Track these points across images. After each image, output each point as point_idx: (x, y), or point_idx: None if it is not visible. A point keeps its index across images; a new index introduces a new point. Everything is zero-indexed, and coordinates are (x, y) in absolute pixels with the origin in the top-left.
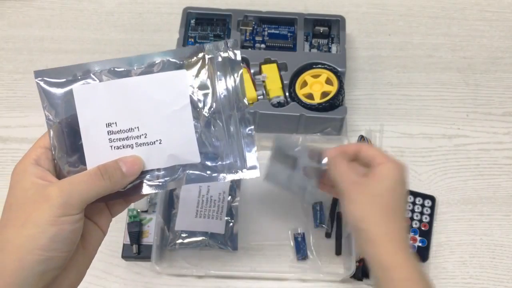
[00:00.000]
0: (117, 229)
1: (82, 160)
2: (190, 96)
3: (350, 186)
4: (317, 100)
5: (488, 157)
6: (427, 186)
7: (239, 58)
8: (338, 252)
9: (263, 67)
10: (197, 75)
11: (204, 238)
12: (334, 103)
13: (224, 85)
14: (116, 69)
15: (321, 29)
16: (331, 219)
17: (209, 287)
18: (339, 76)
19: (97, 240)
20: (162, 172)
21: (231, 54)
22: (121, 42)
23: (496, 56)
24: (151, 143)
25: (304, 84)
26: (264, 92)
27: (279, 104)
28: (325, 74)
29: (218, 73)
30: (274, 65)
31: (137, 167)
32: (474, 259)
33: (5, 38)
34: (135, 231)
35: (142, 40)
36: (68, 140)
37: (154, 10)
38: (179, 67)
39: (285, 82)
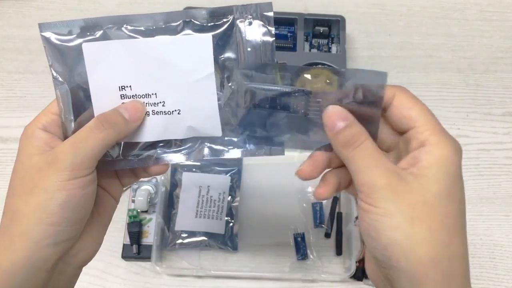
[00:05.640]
0: (117, 229)
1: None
2: (215, 64)
3: (383, 184)
4: None
5: (488, 157)
6: None
7: (272, 24)
8: (338, 252)
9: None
10: (224, 40)
11: (204, 238)
12: None
13: (254, 54)
14: (132, 26)
15: (321, 29)
16: (331, 219)
17: (209, 287)
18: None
19: (111, 207)
20: (179, 143)
21: (262, 19)
22: None
23: (496, 56)
24: (169, 113)
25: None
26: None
27: None
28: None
29: (247, 39)
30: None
31: (139, 113)
32: (474, 259)
33: (5, 38)
34: (135, 231)
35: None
36: (76, 102)
37: (154, 10)
38: (205, 29)
39: None
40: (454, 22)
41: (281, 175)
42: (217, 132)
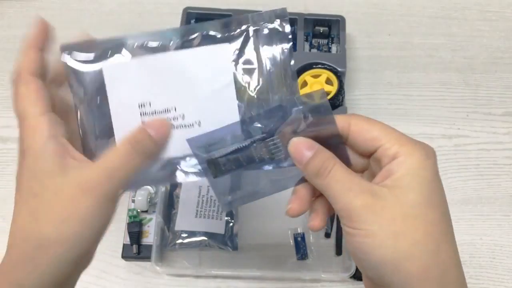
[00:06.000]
0: (117, 229)
1: (112, 145)
2: (234, 73)
3: (359, 206)
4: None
5: (488, 157)
6: None
7: (288, 29)
8: (338, 252)
9: None
10: (241, 50)
11: (204, 238)
12: (334, 103)
13: (272, 60)
14: (150, 43)
15: (321, 29)
16: (331, 219)
17: (209, 287)
18: (339, 76)
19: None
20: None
21: (278, 25)
22: None
23: (496, 56)
24: (190, 126)
25: (304, 84)
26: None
27: None
28: (325, 74)
29: (265, 46)
30: None
31: (165, 129)
32: (474, 259)
33: (5, 38)
34: (135, 231)
35: None
36: (97, 122)
37: (154, 10)
38: (221, 40)
39: None
40: (454, 22)
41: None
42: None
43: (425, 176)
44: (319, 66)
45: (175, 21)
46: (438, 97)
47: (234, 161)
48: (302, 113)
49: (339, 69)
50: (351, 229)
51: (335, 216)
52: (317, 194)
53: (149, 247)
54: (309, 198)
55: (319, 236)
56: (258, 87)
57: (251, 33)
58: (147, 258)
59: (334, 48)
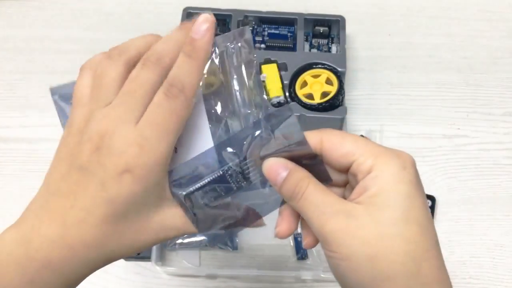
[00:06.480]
0: None
1: None
2: (203, 95)
3: (333, 230)
4: (317, 100)
5: (488, 157)
6: (427, 186)
7: (252, 48)
8: None
9: (263, 67)
10: (208, 72)
11: (204, 238)
12: (334, 103)
13: (239, 80)
14: None
15: (321, 29)
16: None
17: (209, 287)
18: (339, 76)
19: None
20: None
21: (243, 44)
22: (121, 42)
23: (496, 56)
24: None
25: (304, 84)
26: (264, 92)
27: (279, 104)
28: (325, 74)
29: (231, 68)
30: (274, 65)
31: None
32: (474, 259)
33: (5, 38)
34: None
35: None
36: None
37: (154, 10)
38: None
39: (285, 82)
40: (454, 22)
41: None
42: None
43: (401, 191)
44: (319, 66)
45: (175, 21)
46: (438, 97)
47: (211, 192)
48: (271, 132)
49: (339, 69)
50: (328, 252)
51: None
52: None
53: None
54: (295, 217)
55: None
56: (228, 108)
57: (217, 55)
58: (147, 258)
59: (334, 48)
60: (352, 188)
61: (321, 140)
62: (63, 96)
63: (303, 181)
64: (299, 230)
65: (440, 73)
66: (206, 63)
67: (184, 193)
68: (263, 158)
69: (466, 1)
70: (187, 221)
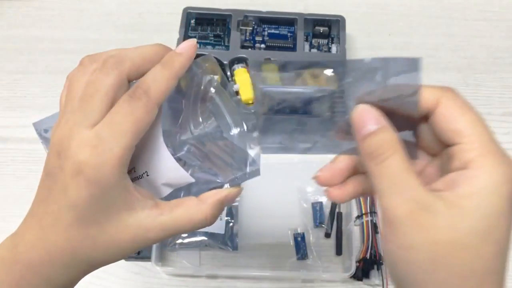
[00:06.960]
0: None
1: None
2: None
3: (404, 215)
4: None
5: None
6: None
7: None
8: (338, 252)
9: (263, 67)
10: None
11: (204, 238)
12: None
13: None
14: None
15: (321, 29)
16: (331, 219)
17: (209, 287)
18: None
19: None
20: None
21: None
22: (121, 42)
23: (496, 56)
24: (139, 177)
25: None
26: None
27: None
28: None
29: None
30: (274, 65)
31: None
32: None
33: (5, 38)
34: None
35: (142, 40)
36: None
37: (154, 10)
38: None
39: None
40: (454, 22)
41: (281, 174)
42: (189, 179)
43: (495, 206)
44: (319, 66)
45: (175, 21)
46: None
47: (289, 104)
48: (384, 83)
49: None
50: (387, 233)
51: (335, 216)
52: (360, 172)
53: (149, 247)
54: (346, 173)
55: (319, 236)
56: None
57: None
58: (147, 258)
59: (334, 48)
60: (441, 164)
61: (437, 101)
62: (46, 130)
63: (390, 145)
64: (299, 230)
65: (440, 73)
66: (179, 76)
67: (265, 89)
68: (359, 102)
69: (466, 1)
70: (165, 222)
